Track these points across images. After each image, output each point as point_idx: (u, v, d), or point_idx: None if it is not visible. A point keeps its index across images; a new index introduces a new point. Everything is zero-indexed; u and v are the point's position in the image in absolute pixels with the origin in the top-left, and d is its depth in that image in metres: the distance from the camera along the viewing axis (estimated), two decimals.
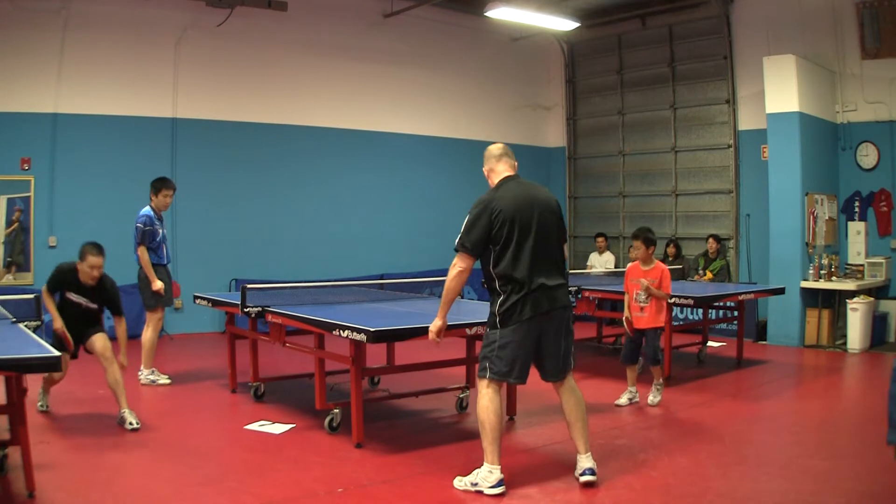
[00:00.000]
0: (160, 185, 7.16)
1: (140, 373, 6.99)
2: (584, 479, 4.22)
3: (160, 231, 7.09)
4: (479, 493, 4.09)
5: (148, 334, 6.99)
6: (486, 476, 4.10)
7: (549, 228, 4.19)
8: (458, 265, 4.12)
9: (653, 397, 6.18)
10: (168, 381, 6.96)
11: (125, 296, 9.13)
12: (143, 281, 6.99)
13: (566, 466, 4.56)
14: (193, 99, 10.01)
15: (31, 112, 9.05)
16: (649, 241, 6.10)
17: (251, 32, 10.28)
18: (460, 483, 4.18)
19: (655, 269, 6.10)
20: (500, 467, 4.12)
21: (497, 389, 4.17)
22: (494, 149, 4.40)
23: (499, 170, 4.33)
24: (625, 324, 6.25)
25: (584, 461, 4.24)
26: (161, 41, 9.78)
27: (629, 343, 6.22)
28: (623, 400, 6.24)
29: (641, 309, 6.10)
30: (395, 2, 11.09)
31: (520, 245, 4.07)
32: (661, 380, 6.26)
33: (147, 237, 6.94)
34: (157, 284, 6.95)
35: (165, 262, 7.17)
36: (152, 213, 7.05)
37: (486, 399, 4.13)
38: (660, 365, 6.20)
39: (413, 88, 11.93)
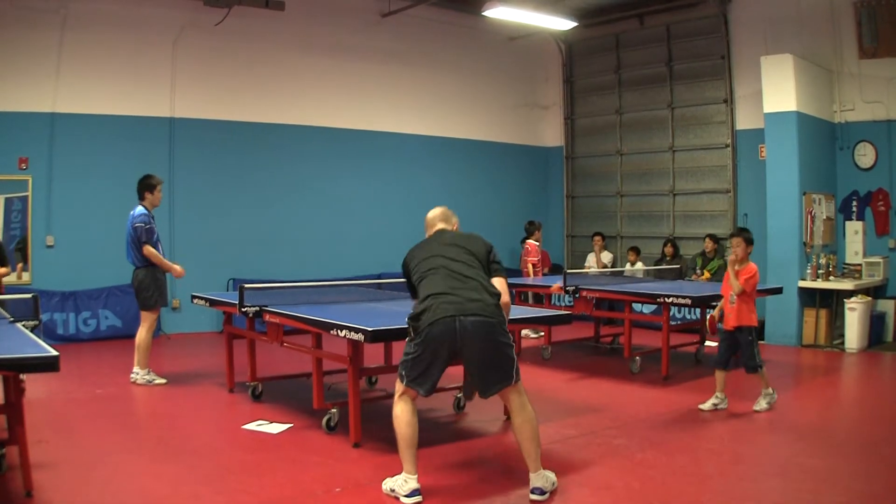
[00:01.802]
0: (154, 182, 7.11)
1: (136, 374, 6.98)
2: (531, 497, 4.05)
3: (156, 230, 7.07)
4: (397, 499, 4.05)
5: (142, 334, 6.97)
6: (402, 485, 4.06)
7: (461, 258, 4.24)
8: None
9: (757, 405, 5.98)
10: (164, 382, 6.95)
11: (122, 296, 9.26)
12: (141, 283, 6.96)
13: (565, 466, 4.56)
14: (191, 98, 10.01)
15: (28, 111, 9.03)
16: (749, 241, 6.04)
17: (249, 32, 10.27)
18: (385, 486, 4.15)
19: (747, 268, 6.01)
20: (416, 477, 4.06)
21: (410, 399, 4.15)
22: (425, 220, 4.73)
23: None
24: (707, 322, 6.11)
25: (533, 479, 4.08)
26: (159, 41, 9.77)
27: (722, 345, 6.11)
28: (707, 405, 6.04)
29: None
30: (392, 1, 11.08)
31: (425, 279, 4.21)
32: (769, 388, 6.02)
33: (148, 235, 6.91)
34: (178, 269, 7.07)
35: None
36: (147, 211, 7.03)
37: (398, 408, 4.14)
38: (758, 373, 5.96)
39: (411, 88, 11.93)
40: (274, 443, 5.16)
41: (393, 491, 4.09)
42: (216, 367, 7.38)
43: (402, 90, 11.83)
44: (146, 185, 7.09)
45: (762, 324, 9.50)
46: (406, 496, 4.02)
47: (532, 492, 4.07)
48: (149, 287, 6.94)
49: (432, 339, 4.01)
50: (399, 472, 4.13)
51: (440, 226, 4.60)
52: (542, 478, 4.09)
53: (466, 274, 4.14)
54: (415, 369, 4.08)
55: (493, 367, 4.06)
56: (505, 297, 4.22)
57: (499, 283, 4.24)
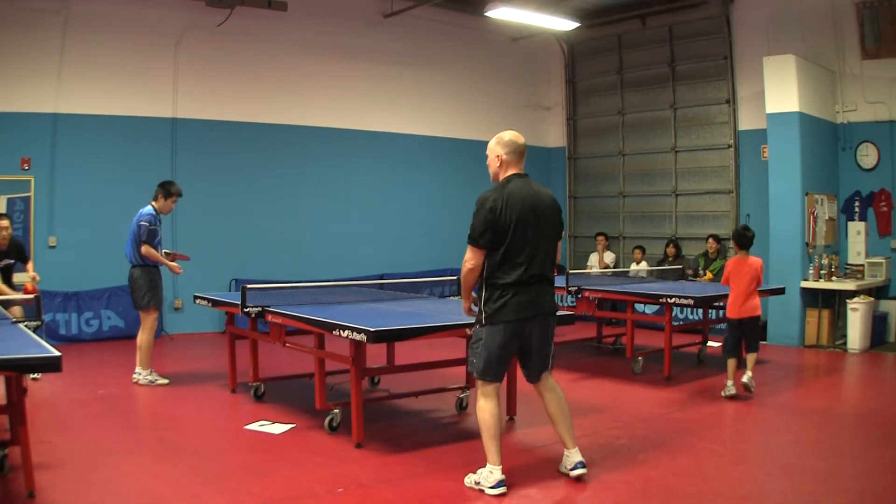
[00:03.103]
0: (174, 190, 7.13)
1: (138, 374, 6.98)
2: (575, 472, 4.27)
3: (160, 232, 7.07)
4: (482, 491, 4.11)
5: (144, 336, 6.98)
6: (487, 476, 4.12)
7: (547, 234, 4.19)
8: (467, 260, 4.11)
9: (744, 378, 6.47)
10: (166, 382, 6.96)
11: (124, 296, 9.26)
12: (136, 282, 6.96)
13: None
14: (193, 99, 10.01)
15: (31, 112, 9.05)
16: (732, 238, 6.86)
17: (251, 32, 10.28)
18: (469, 480, 4.22)
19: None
20: (500, 468, 4.13)
21: (494, 389, 4.19)
22: (516, 143, 4.24)
23: (512, 165, 4.22)
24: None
25: (574, 455, 4.29)
26: (161, 41, 9.78)
27: (735, 334, 6.59)
28: (730, 391, 6.44)
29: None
30: (395, 2, 11.09)
31: (515, 247, 4.06)
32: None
33: (151, 236, 6.91)
34: (173, 265, 7.11)
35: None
36: (155, 212, 7.04)
37: (482, 399, 4.18)
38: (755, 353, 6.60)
39: (413, 88, 11.93)
40: (276, 443, 5.17)
41: (478, 484, 4.14)
42: (218, 368, 7.38)
43: (404, 90, 11.83)
44: (164, 189, 7.10)
45: (764, 325, 9.52)
46: (492, 487, 4.08)
47: (575, 467, 4.26)
48: (143, 286, 6.94)
49: (508, 333, 4.10)
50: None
51: (520, 168, 4.24)
52: (580, 453, 4.30)
53: (545, 263, 4.18)
54: (483, 360, 4.14)
55: (542, 357, 4.27)
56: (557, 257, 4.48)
57: (558, 246, 4.43)
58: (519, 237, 4.05)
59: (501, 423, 4.23)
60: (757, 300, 6.54)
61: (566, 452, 4.33)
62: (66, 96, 9.22)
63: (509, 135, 4.25)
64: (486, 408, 4.14)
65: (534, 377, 4.32)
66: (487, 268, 4.11)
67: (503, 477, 4.13)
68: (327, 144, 11.06)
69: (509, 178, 4.19)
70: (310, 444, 5.12)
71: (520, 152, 4.23)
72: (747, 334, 6.55)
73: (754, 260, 6.58)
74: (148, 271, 6.98)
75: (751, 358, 6.54)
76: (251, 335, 6.34)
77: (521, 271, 4.05)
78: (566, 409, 4.33)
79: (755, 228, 10.36)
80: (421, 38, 11.88)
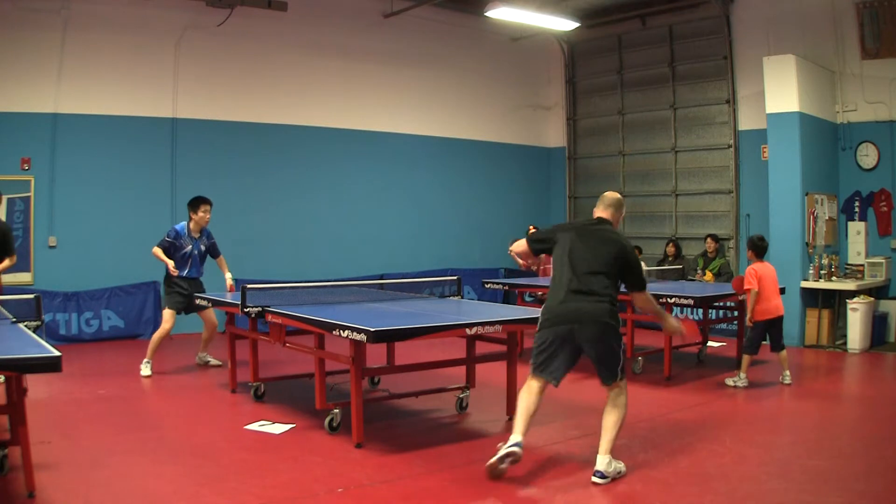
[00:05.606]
0: (198, 202, 7.45)
1: (204, 354, 7.57)
2: (592, 479, 4.32)
3: (187, 248, 7.35)
4: (619, 474, 4.36)
5: (160, 332, 7.32)
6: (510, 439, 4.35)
7: (596, 262, 4.51)
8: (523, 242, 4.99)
9: (785, 379, 7.04)
10: (219, 364, 7.41)
11: (124, 296, 9.31)
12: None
13: (566, 466, 4.57)
14: (193, 99, 10.01)
15: (31, 112, 9.04)
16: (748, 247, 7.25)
17: (251, 32, 10.28)
18: (609, 469, 4.34)
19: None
20: (519, 437, 4.31)
21: (535, 383, 4.48)
22: (605, 197, 5.08)
23: (597, 211, 4.95)
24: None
25: (598, 462, 4.36)
26: (161, 41, 9.78)
27: (760, 333, 7.02)
28: (741, 382, 6.94)
29: None
30: (394, 2, 11.09)
31: (559, 268, 4.59)
32: (744, 373, 6.99)
33: (170, 249, 7.26)
34: (171, 264, 7.28)
35: (185, 275, 7.39)
36: (185, 230, 7.33)
37: (525, 387, 4.53)
38: (783, 351, 7.11)
39: (413, 88, 11.93)
40: (276, 443, 5.17)
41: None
42: (218, 368, 7.37)
43: (404, 90, 11.83)
44: (191, 206, 7.49)
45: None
46: (511, 446, 4.29)
47: (593, 475, 4.32)
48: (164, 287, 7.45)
49: (554, 336, 4.47)
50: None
51: (600, 213, 4.90)
52: (605, 462, 4.33)
53: (589, 287, 4.48)
54: (539, 357, 4.52)
55: (604, 364, 4.49)
56: (643, 305, 4.99)
57: (639, 298, 4.88)
58: (565, 259, 4.57)
59: (529, 410, 4.41)
60: (780, 300, 7.07)
61: (597, 456, 4.44)
62: (66, 96, 9.21)
63: (608, 193, 5.11)
64: (523, 393, 4.49)
65: (602, 381, 4.55)
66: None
67: (520, 440, 4.29)
68: (327, 144, 11.05)
69: (588, 217, 4.95)
70: (310, 444, 5.12)
71: (605, 203, 4.98)
72: (774, 333, 7.03)
73: (769, 265, 7.07)
74: (175, 281, 7.36)
75: (783, 356, 7.09)
76: (251, 335, 6.33)
77: (561, 290, 4.51)
78: (613, 420, 4.46)
79: (755, 228, 10.43)
80: (421, 38, 11.88)
